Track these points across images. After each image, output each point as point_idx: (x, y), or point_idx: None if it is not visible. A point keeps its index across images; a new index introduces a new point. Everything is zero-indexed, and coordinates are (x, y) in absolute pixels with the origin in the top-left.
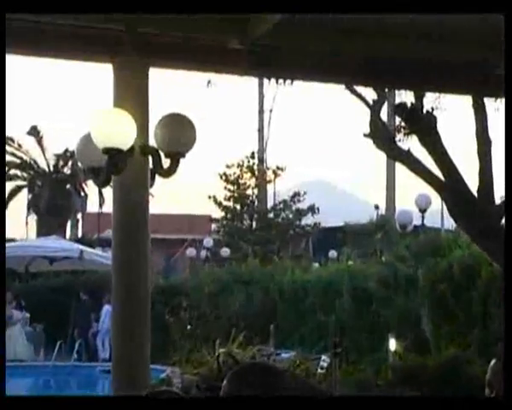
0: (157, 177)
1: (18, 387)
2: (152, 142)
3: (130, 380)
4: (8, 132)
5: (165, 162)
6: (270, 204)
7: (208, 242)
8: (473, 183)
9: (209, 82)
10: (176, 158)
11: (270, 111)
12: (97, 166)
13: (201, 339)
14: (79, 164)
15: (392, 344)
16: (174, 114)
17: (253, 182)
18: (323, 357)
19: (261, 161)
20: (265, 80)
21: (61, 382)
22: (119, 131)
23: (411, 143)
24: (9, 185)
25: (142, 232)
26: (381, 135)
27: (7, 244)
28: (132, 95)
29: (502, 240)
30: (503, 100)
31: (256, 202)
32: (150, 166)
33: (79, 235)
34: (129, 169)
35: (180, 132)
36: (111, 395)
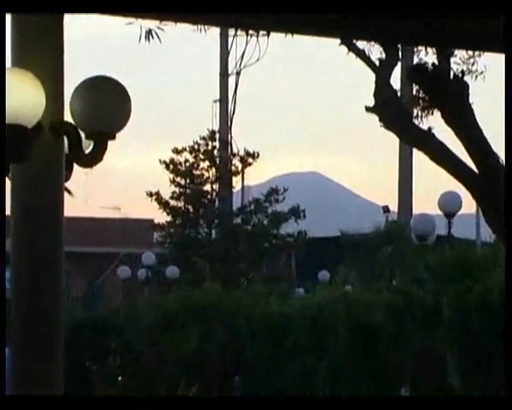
0: (75, 166)
1: None
2: (69, 117)
3: None
4: None
5: (88, 145)
6: (236, 205)
7: (149, 257)
8: None
9: (149, 33)
10: (102, 140)
11: (238, 74)
12: None
13: (138, 395)
14: None
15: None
16: (98, 78)
17: (212, 174)
18: None
19: (224, 144)
20: (231, 32)
21: None
22: (20, 101)
23: (434, 122)
24: None
25: (53, 244)
26: (391, 110)
27: None
28: (41, 50)
29: None
30: None
31: (217, 202)
32: (66, 150)
33: None
34: (35, 155)
35: (107, 104)
36: None
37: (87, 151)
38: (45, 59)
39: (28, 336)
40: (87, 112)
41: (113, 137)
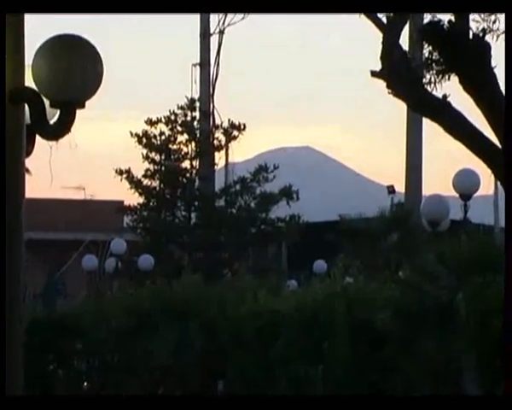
0: (38, 138)
1: None
2: (30, 83)
3: None
4: None
5: (52, 115)
6: (220, 185)
7: (118, 245)
8: None
9: None
10: (70, 109)
11: (221, 33)
12: None
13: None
14: None
15: None
16: (65, 37)
17: (192, 149)
18: None
19: (206, 114)
20: None
21: None
22: None
23: (450, 88)
24: None
25: (12, 230)
26: (399, 74)
27: None
28: None
29: None
30: None
31: (197, 182)
32: (27, 121)
33: None
34: None
35: (75, 66)
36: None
37: (52, 122)
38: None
39: None
40: (52, 76)
41: (83, 106)
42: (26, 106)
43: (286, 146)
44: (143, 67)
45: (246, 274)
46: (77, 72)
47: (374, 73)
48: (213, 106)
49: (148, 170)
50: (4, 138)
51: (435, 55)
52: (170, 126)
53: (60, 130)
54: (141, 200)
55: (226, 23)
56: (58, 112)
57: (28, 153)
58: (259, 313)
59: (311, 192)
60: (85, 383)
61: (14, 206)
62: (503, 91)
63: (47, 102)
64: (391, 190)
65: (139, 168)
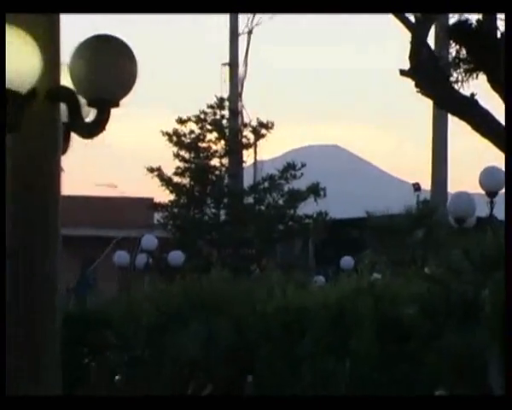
0: (74, 136)
1: None
2: (67, 81)
3: None
4: None
5: (88, 114)
6: (248, 182)
7: (149, 241)
8: None
9: None
10: (105, 107)
11: (249, 34)
12: None
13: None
14: None
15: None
16: (102, 38)
17: (221, 146)
18: None
19: (234, 113)
20: None
21: None
22: (14, 64)
23: (477, 87)
24: None
25: (49, 226)
26: (428, 73)
27: None
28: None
29: None
30: None
31: (226, 179)
32: (64, 119)
33: None
34: (29, 124)
35: (111, 66)
36: None
37: (87, 120)
38: (41, 18)
39: (27, 326)
40: (90, 76)
41: (117, 105)
42: (62, 104)
43: (313, 144)
44: (174, 67)
45: (274, 270)
46: (113, 72)
47: (403, 72)
48: (242, 104)
49: (178, 168)
50: (4, 139)
51: (463, 54)
52: (200, 125)
53: (95, 128)
54: (171, 197)
55: (254, 23)
56: (93, 111)
57: (64, 151)
58: (287, 308)
59: (338, 189)
60: (117, 377)
61: (51, 203)
62: None
63: (83, 101)
64: (417, 187)
65: (170, 166)
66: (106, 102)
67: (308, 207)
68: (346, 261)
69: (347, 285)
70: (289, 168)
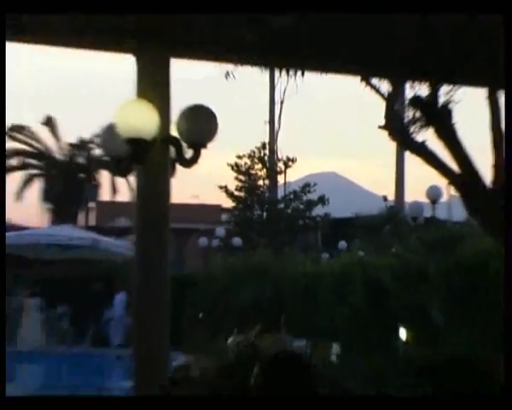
0: (178, 167)
1: (33, 373)
2: (174, 132)
3: (150, 366)
4: (21, 121)
5: (187, 152)
6: (280, 195)
7: (220, 231)
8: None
9: (227, 73)
10: (198, 148)
11: (281, 103)
12: (120, 155)
13: (214, 329)
14: (103, 152)
15: (403, 335)
16: (197, 106)
17: (263, 172)
18: (334, 345)
19: (272, 152)
20: (277, 73)
21: (75, 368)
22: (142, 122)
23: (426, 136)
24: (23, 174)
25: (162, 221)
26: (395, 127)
27: (20, 232)
28: (154, 86)
29: None
30: None
31: (267, 193)
32: (172, 155)
33: (92, 223)
34: (151, 159)
35: (203, 123)
36: (129, 381)
37: (187, 156)
38: (158, 92)
39: (148, 284)
40: (190, 129)
41: (205, 147)
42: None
43: (320, 171)
44: (236, 121)
45: (296, 251)
46: (203, 126)
47: (380, 127)
48: (276, 147)
49: (237, 185)
50: (4, 139)
51: (417, 116)
52: (250, 159)
53: (192, 162)
54: (233, 204)
55: (286, 95)
56: (190, 151)
57: (171, 175)
58: (306, 273)
59: (336, 199)
60: (200, 315)
61: (164, 207)
62: (460, 139)
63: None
64: (385, 198)
65: (232, 185)
66: (198, 145)
67: (318, 211)
68: (342, 245)
69: (343, 259)
70: (306, 186)
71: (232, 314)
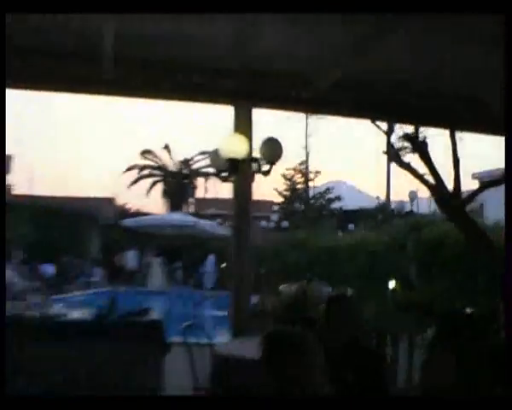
0: (257, 176)
1: (158, 306)
2: (256, 154)
3: (239, 304)
4: (150, 147)
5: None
6: (311, 194)
7: (274, 217)
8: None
9: (288, 117)
10: (272, 164)
11: (310, 136)
12: (222, 168)
13: (276, 280)
14: (211, 166)
15: (392, 285)
16: (271, 138)
17: (302, 180)
18: (349, 290)
19: (307, 167)
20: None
21: (184, 302)
22: (238, 148)
23: (411, 158)
24: (150, 180)
25: (248, 211)
26: (392, 153)
27: (149, 217)
28: (244, 125)
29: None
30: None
31: (303, 193)
32: (254, 169)
33: (192, 211)
34: (241, 171)
35: (275, 148)
36: (217, 311)
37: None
38: (246, 129)
39: (241, 250)
40: (267, 152)
41: (275, 164)
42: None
43: (336, 179)
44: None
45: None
46: (275, 152)
47: (383, 152)
48: (308, 163)
49: (284, 188)
50: (4, 139)
51: (407, 144)
52: (294, 170)
53: (267, 173)
54: (282, 200)
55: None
56: (267, 165)
57: (252, 181)
58: (329, 246)
59: (347, 198)
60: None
61: (248, 202)
62: (433, 161)
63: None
64: (377, 198)
65: (282, 187)
66: (271, 162)
67: (335, 205)
68: (351, 227)
69: (352, 236)
70: (327, 190)
71: (283, 271)
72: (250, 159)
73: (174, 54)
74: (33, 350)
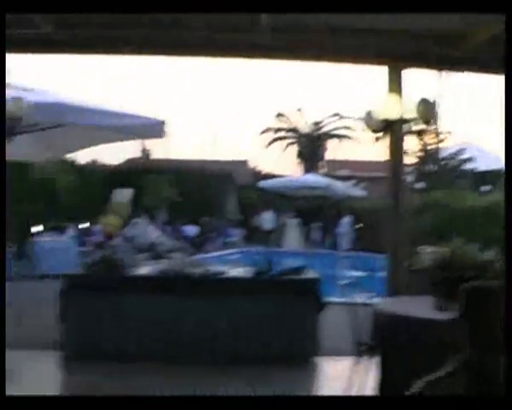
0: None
1: (293, 264)
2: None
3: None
4: (282, 111)
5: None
6: (443, 155)
7: (410, 178)
8: None
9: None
10: (427, 123)
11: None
12: (376, 128)
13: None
14: (366, 126)
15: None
16: (425, 99)
17: (433, 140)
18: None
19: (438, 127)
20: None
21: (320, 262)
22: (392, 109)
23: None
24: (284, 142)
25: (400, 172)
26: None
27: (284, 178)
28: (397, 86)
29: None
30: None
31: (436, 154)
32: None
33: (325, 172)
34: (393, 131)
35: (428, 108)
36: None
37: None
38: (397, 90)
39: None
40: (424, 111)
41: (429, 123)
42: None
43: (464, 140)
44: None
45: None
46: (428, 110)
47: None
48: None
49: (420, 148)
50: (4, 139)
51: None
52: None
53: (422, 133)
54: (416, 160)
55: None
56: (422, 126)
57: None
58: (457, 206)
59: (478, 161)
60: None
61: (399, 166)
62: None
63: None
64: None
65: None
66: (427, 121)
67: (467, 166)
68: (485, 188)
69: (488, 198)
70: (460, 150)
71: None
72: (401, 120)
73: (324, 17)
74: (197, 305)
